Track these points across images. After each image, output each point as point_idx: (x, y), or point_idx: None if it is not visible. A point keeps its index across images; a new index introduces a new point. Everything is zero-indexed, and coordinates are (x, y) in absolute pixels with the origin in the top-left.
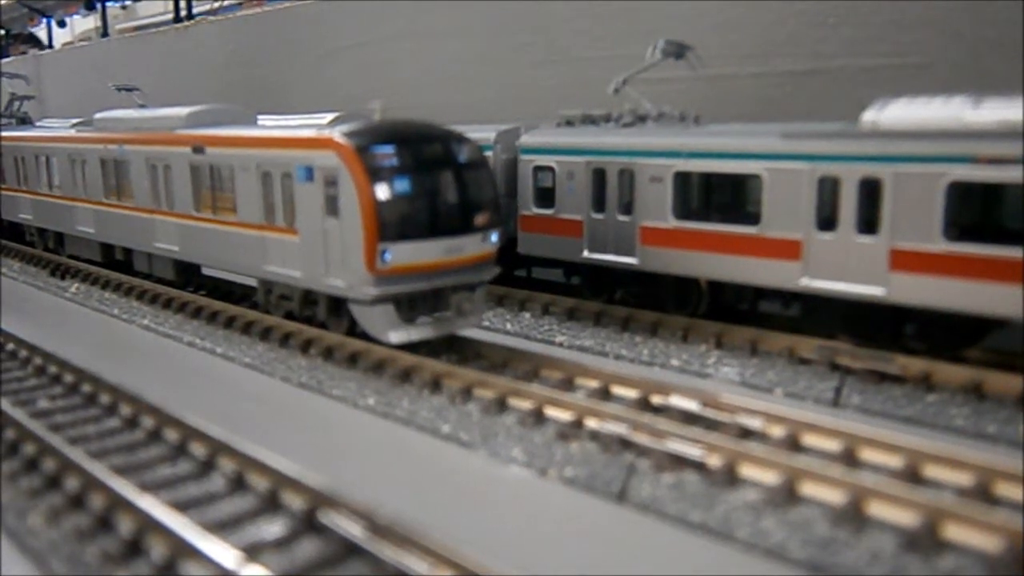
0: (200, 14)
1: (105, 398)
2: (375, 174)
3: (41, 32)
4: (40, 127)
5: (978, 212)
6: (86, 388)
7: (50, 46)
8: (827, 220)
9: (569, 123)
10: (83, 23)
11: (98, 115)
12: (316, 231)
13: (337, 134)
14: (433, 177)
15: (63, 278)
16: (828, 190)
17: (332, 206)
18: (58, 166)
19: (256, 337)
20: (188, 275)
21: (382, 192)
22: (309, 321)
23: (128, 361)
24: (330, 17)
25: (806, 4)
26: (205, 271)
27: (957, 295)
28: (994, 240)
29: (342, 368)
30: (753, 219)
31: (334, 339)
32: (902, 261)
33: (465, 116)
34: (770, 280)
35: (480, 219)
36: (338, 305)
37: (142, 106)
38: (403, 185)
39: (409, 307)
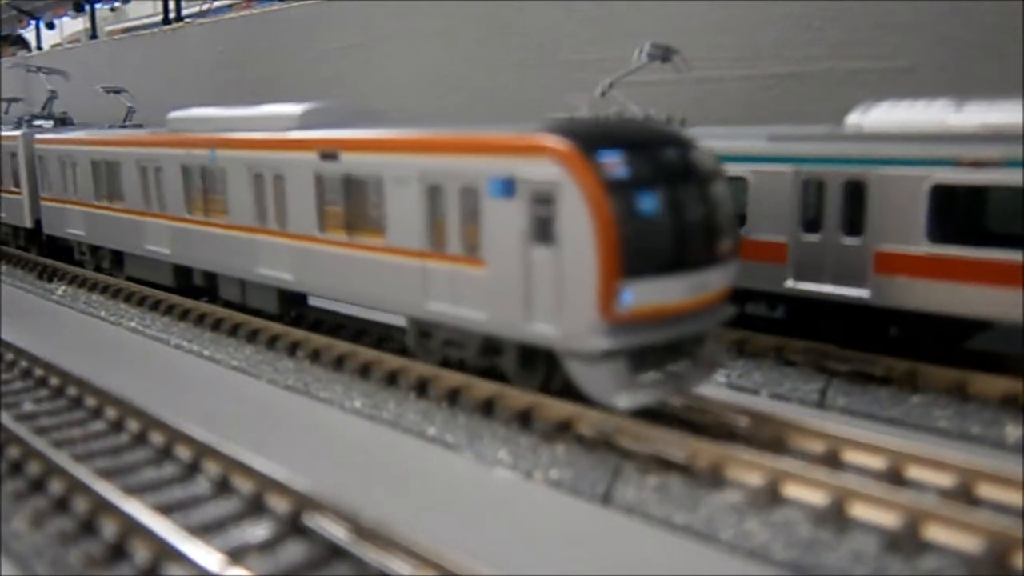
0: (189, 16)
1: (91, 401)
2: (614, 189)
3: (30, 34)
4: (86, 128)
5: (961, 215)
6: (72, 391)
7: (39, 48)
8: (812, 222)
9: None
10: (72, 25)
11: (173, 114)
12: (515, 262)
13: (554, 137)
14: (678, 194)
15: (50, 280)
16: (813, 192)
17: (544, 230)
18: (123, 174)
19: (243, 340)
20: (292, 306)
21: (623, 213)
22: (486, 373)
23: (115, 364)
24: (320, 19)
25: (792, 8)
26: (312, 301)
27: (941, 297)
28: (977, 242)
29: (329, 371)
30: (739, 221)
31: (321, 342)
32: (886, 263)
33: (454, 118)
34: (756, 282)
35: (725, 245)
36: (533, 356)
37: (131, 107)
38: (648, 204)
39: (642, 362)
